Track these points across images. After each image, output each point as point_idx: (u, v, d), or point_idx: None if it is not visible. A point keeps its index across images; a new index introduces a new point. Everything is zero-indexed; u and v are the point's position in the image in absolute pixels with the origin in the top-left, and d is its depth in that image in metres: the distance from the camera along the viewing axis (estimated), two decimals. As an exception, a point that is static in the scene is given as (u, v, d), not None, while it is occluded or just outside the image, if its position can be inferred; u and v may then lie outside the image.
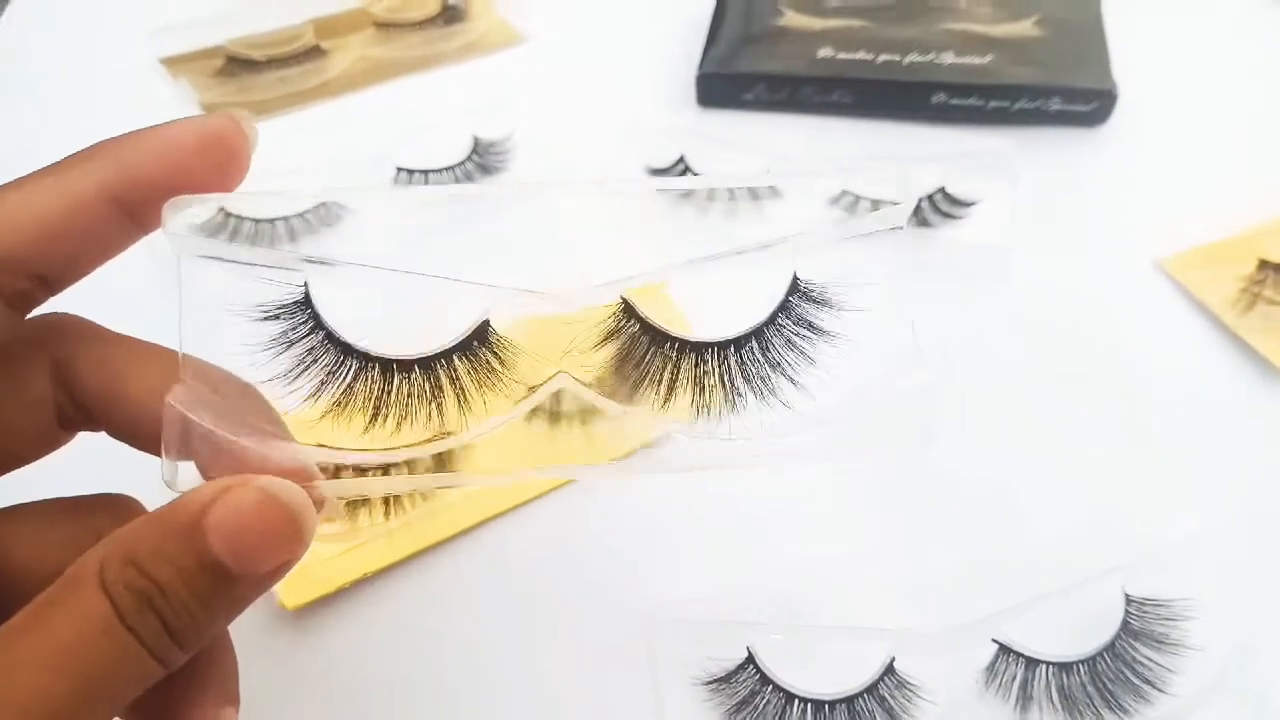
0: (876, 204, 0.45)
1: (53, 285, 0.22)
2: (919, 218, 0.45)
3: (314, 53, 0.53)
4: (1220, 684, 0.31)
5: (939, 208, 0.45)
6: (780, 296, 0.23)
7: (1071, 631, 0.32)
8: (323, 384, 0.23)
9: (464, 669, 0.32)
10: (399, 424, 0.23)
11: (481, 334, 0.24)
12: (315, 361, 0.23)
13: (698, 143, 0.49)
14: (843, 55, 0.50)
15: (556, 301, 0.23)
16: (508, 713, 0.31)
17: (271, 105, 0.51)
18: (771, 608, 0.33)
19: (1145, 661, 0.31)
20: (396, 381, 0.23)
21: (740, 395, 0.23)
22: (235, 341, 0.22)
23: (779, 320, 0.23)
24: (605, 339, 0.23)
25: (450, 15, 0.56)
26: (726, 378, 0.23)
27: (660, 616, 0.33)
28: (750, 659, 0.32)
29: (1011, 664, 0.31)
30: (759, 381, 0.23)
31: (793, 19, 0.52)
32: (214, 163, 0.22)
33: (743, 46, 0.51)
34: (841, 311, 0.23)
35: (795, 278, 0.23)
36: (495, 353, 0.24)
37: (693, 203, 0.46)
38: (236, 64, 0.52)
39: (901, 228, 0.23)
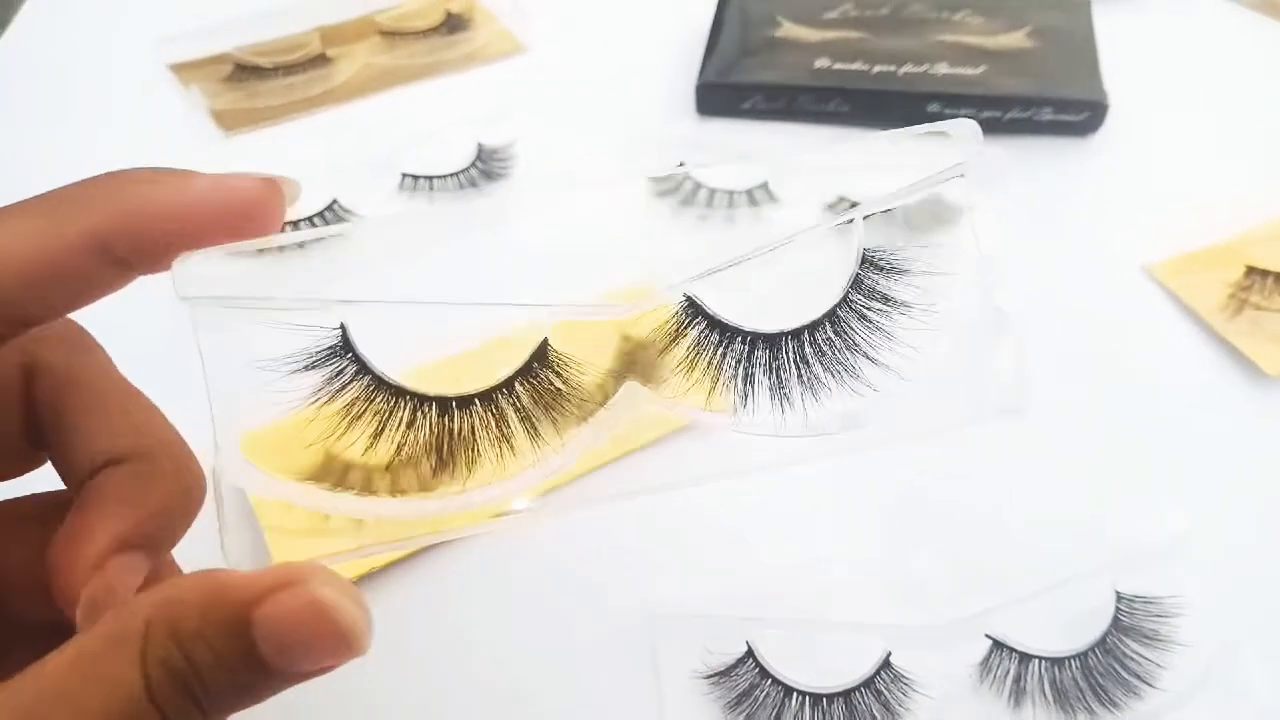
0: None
1: (32, 324, 0.22)
2: (910, 222, 0.45)
3: (320, 60, 0.54)
4: (1208, 679, 0.32)
5: (933, 213, 0.46)
6: (850, 271, 0.22)
7: (1064, 628, 0.33)
8: (378, 432, 0.21)
9: (464, 667, 0.33)
10: (469, 465, 0.22)
11: (541, 355, 0.23)
12: (367, 408, 0.22)
13: (696, 150, 0.50)
14: (839, 65, 0.51)
15: (614, 311, 0.23)
16: (511, 710, 0.32)
17: (278, 111, 0.51)
18: (770, 604, 0.34)
19: (1135, 657, 0.32)
20: (458, 419, 0.22)
21: (820, 383, 0.22)
22: (271, 398, 0.21)
23: (851, 298, 0.22)
24: (670, 342, 0.22)
25: (453, 25, 0.57)
26: (804, 366, 0.22)
27: (661, 612, 0.33)
28: (750, 653, 0.32)
29: (1005, 659, 0.32)
30: (838, 366, 0.22)
31: (790, 30, 0.53)
32: (231, 232, 0.21)
33: (741, 57, 0.52)
34: (915, 277, 0.22)
35: (862, 249, 0.22)
36: (557, 372, 0.23)
37: (693, 209, 0.47)
38: (244, 71, 0.53)
39: (963, 176, 0.23)
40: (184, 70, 0.53)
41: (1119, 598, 0.33)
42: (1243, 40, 0.56)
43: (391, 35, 0.56)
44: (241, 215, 0.21)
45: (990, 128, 0.49)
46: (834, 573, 0.35)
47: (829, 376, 0.22)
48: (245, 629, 0.19)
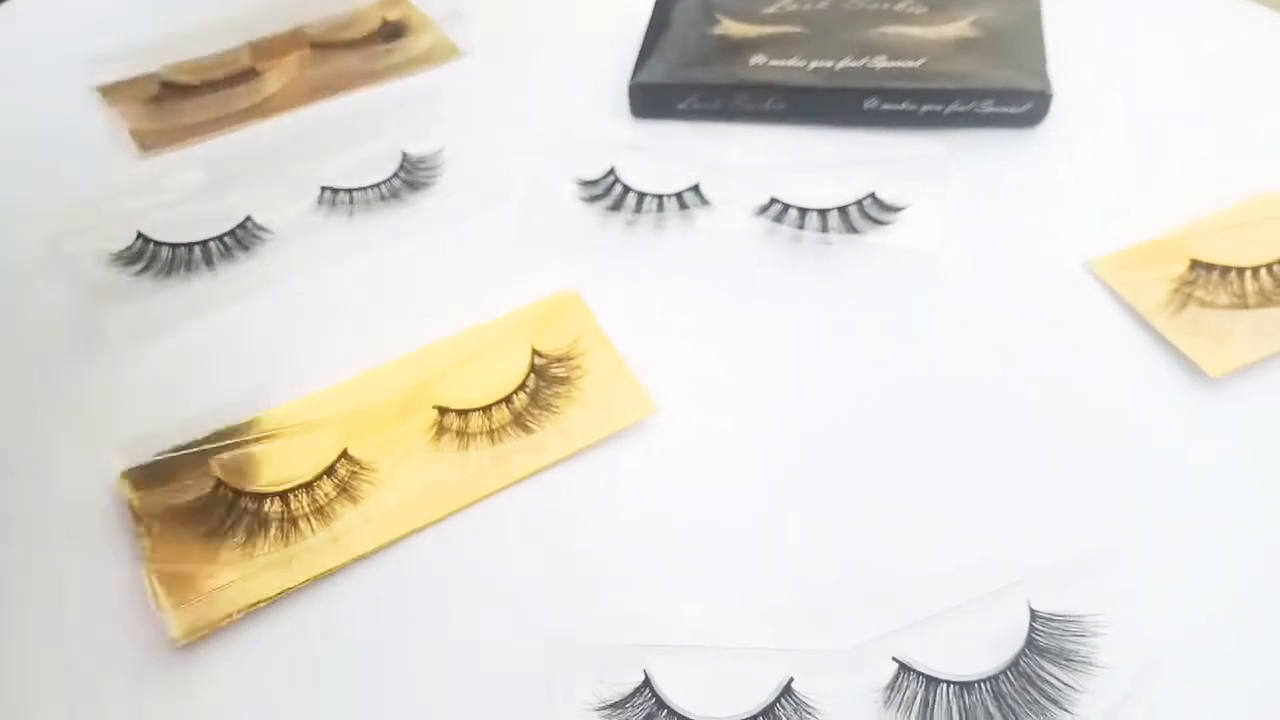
0: (804, 211, 0.44)
1: None
2: (848, 225, 0.44)
3: (248, 74, 0.53)
4: (1128, 703, 0.30)
5: (868, 214, 0.44)
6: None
7: (975, 649, 0.31)
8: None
9: (359, 702, 0.31)
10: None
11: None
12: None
13: (629, 154, 0.48)
14: (775, 62, 0.49)
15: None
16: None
17: (204, 129, 0.50)
18: (669, 630, 0.32)
19: (1051, 680, 0.30)
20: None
21: None
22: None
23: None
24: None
25: (389, 32, 0.55)
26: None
27: (556, 640, 0.32)
28: (646, 682, 0.31)
29: (912, 683, 0.30)
30: None
31: (728, 27, 0.51)
32: None
33: (677, 56, 0.50)
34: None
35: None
36: None
37: (622, 214, 0.46)
38: (170, 89, 0.52)
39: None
40: (111, 91, 0.53)
41: (1034, 616, 0.31)
42: (1191, 27, 0.53)
43: (324, 47, 0.54)
44: None
45: (931, 121, 0.48)
46: (735, 596, 0.33)
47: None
48: None
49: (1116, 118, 0.47)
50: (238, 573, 0.34)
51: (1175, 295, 0.39)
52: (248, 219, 0.45)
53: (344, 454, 0.37)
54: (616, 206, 0.46)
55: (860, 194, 0.44)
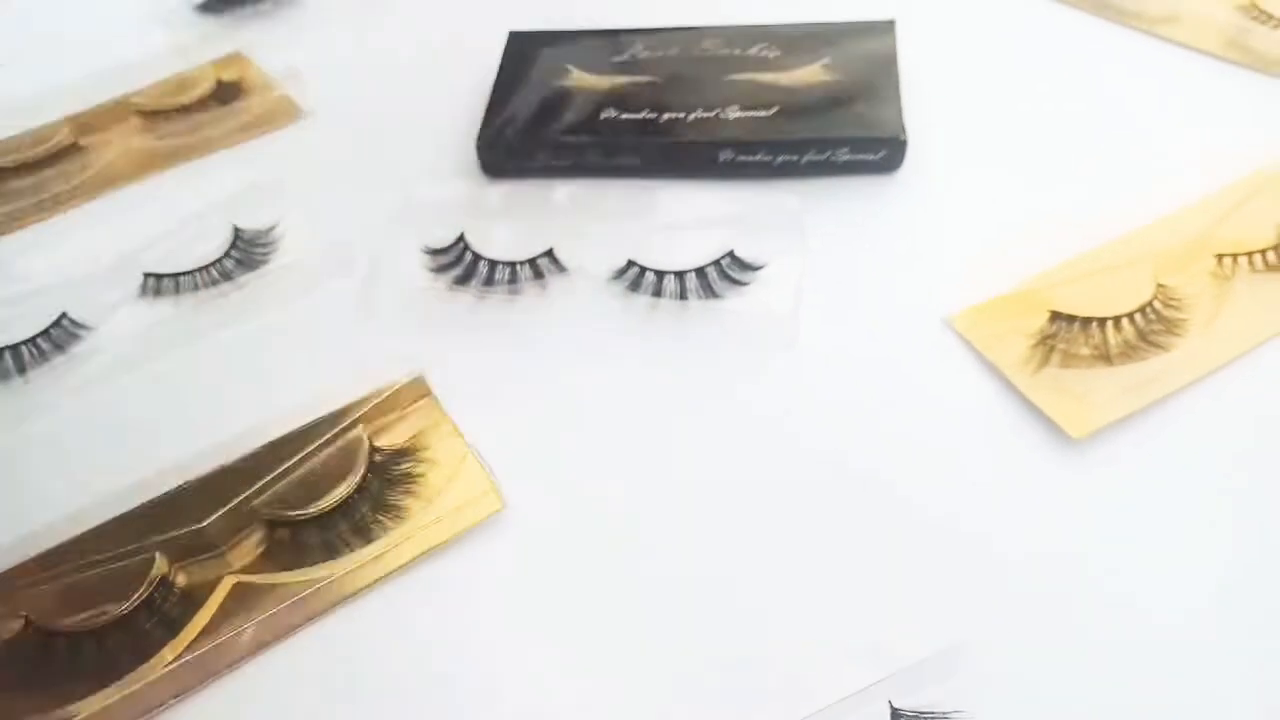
0: (660, 275, 0.43)
1: None
2: (707, 288, 0.42)
3: (71, 151, 0.49)
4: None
5: (727, 274, 0.42)
6: None
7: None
8: None
9: None
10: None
11: None
12: None
13: (479, 218, 0.46)
14: (626, 115, 0.47)
15: None
16: None
17: (22, 214, 0.47)
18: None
19: (916, 785, 0.29)
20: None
21: None
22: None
23: None
24: None
25: (224, 95, 0.52)
26: None
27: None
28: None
29: (772, 801, 0.29)
30: None
31: (578, 78, 0.49)
32: None
33: (526, 111, 0.48)
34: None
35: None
36: None
37: (471, 286, 0.43)
38: (-15, 172, 0.48)
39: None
40: (-82, 177, 0.49)
41: (895, 714, 0.29)
42: (1065, 46, 0.53)
43: (153, 114, 0.51)
44: None
45: (788, 172, 0.46)
46: (576, 704, 0.31)
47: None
48: None
49: (974, 161, 0.46)
50: None
51: (1036, 350, 0.38)
52: (63, 315, 0.41)
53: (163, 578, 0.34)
54: (466, 278, 0.44)
55: (718, 253, 0.42)
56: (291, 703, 0.32)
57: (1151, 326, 0.38)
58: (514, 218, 0.46)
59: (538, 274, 0.43)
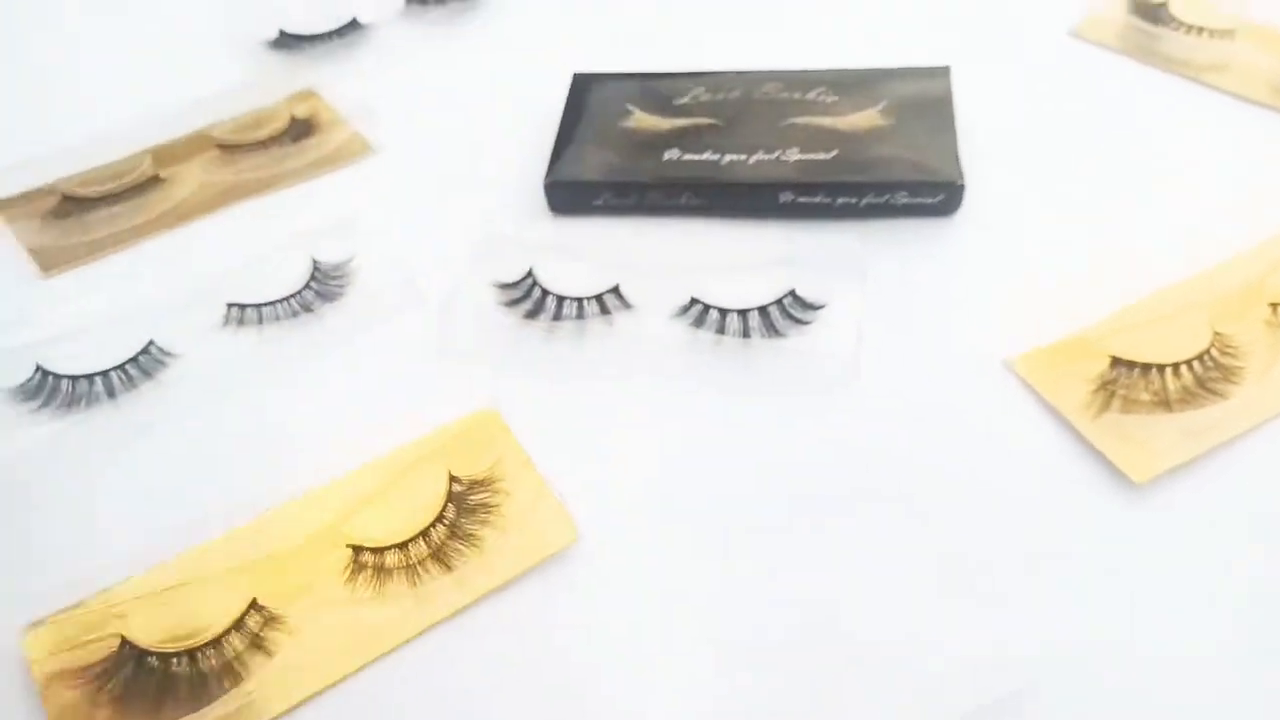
0: (724, 313, 0.44)
1: None
2: (769, 326, 0.43)
3: (152, 183, 0.51)
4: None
5: (789, 312, 0.43)
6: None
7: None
8: None
9: None
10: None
11: None
12: None
13: (547, 254, 0.47)
14: (689, 156, 0.48)
15: None
16: None
17: (105, 244, 0.49)
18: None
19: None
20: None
21: None
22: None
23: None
24: None
25: (298, 131, 0.54)
26: None
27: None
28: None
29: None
30: None
31: (641, 120, 0.51)
32: None
33: (591, 151, 0.50)
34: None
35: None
36: None
37: (541, 319, 0.45)
38: (70, 203, 0.50)
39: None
40: (6, 207, 0.51)
41: (966, 752, 0.30)
42: (1118, 93, 0.54)
43: (231, 148, 0.53)
44: None
45: (847, 213, 0.47)
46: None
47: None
48: None
49: (1030, 206, 0.47)
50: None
51: (1097, 395, 0.39)
52: (151, 343, 0.43)
53: (253, 603, 0.35)
54: (535, 312, 0.45)
55: (780, 292, 0.44)
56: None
57: (1209, 374, 0.39)
58: (580, 254, 0.47)
59: (604, 310, 0.45)
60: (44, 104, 0.59)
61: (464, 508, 0.38)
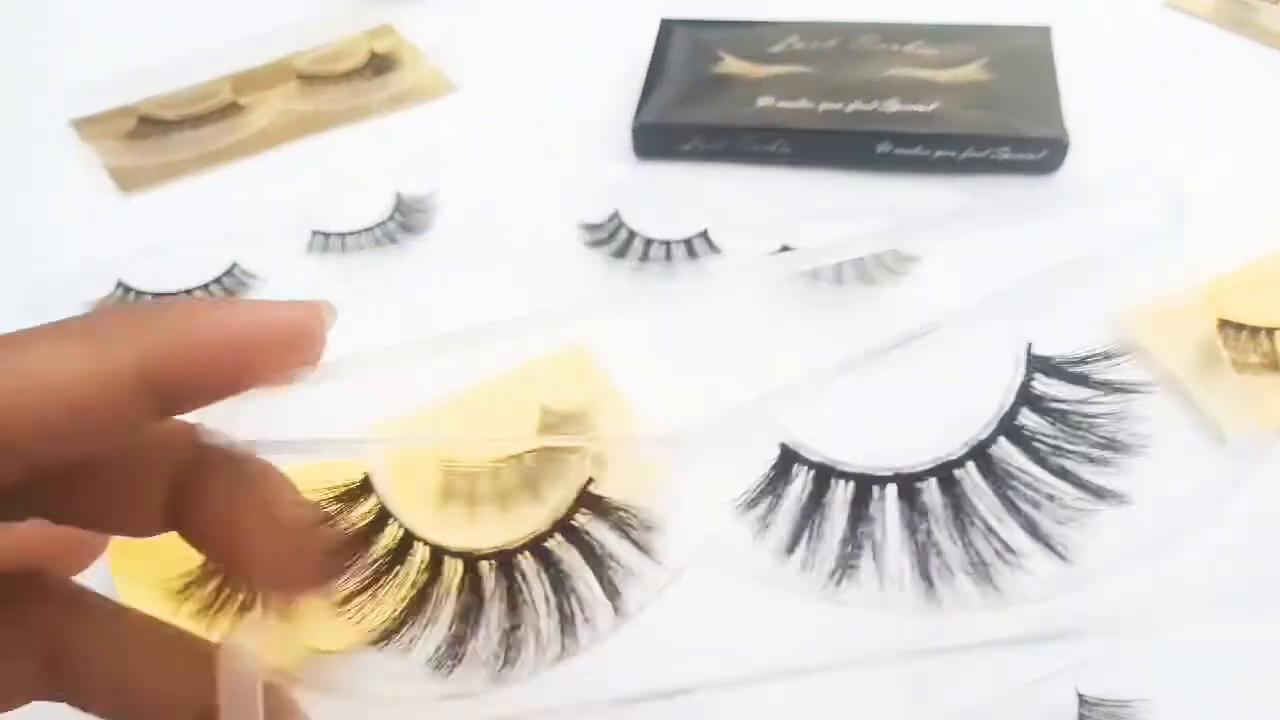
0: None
1: (53, 469, 0.18)
2: (863, 275, 0.42)
3: (231, 109, 0.50)
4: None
5: (884, 264, 0.42)
6: (1015, 382, 0.15)
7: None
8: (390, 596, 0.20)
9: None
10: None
11: (587, 500, 0.19)
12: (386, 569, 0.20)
13: (632, 196, 0.46)
14: (783, 104, 0.47)
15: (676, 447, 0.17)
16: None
17: (185, 167, 0.48)
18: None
19: (1104, 770, 0.29)
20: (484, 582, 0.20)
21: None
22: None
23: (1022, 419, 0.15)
24: (752, 500, 0.18)
25: (379, 65, 0.53)
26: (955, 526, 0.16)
27: None
28: None
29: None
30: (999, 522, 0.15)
31: (733, 66, 0.50)
32: (281, 362, 0.20)
33: (681, 95, 0.49)
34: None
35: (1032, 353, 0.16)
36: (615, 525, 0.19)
37: (628, 260, 0.44)
38: (149, 124, 0.49)
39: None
40: (86, 126, 0.50)
41: (1082, 701, 0.30)
42: (1211, 69, 0.53)
43: (311, 79, 0.52)
44: (293, 347, 0.20)
45: (944, 167, 0.46)
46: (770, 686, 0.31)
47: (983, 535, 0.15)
48: None
49: (1135, 163, 0.46)
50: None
51: (1204, 353, 0.38)
52: (234, 265, 0.43)
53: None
54: (622, 253, 0.44)
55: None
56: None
57: (1321, 338, 0.38)
58: (666, 198, 0.47)
59: (692, 253, 0.44)
60: (121, 26, 0.58)
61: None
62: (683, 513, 0.17)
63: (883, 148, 0.46)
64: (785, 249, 0.43)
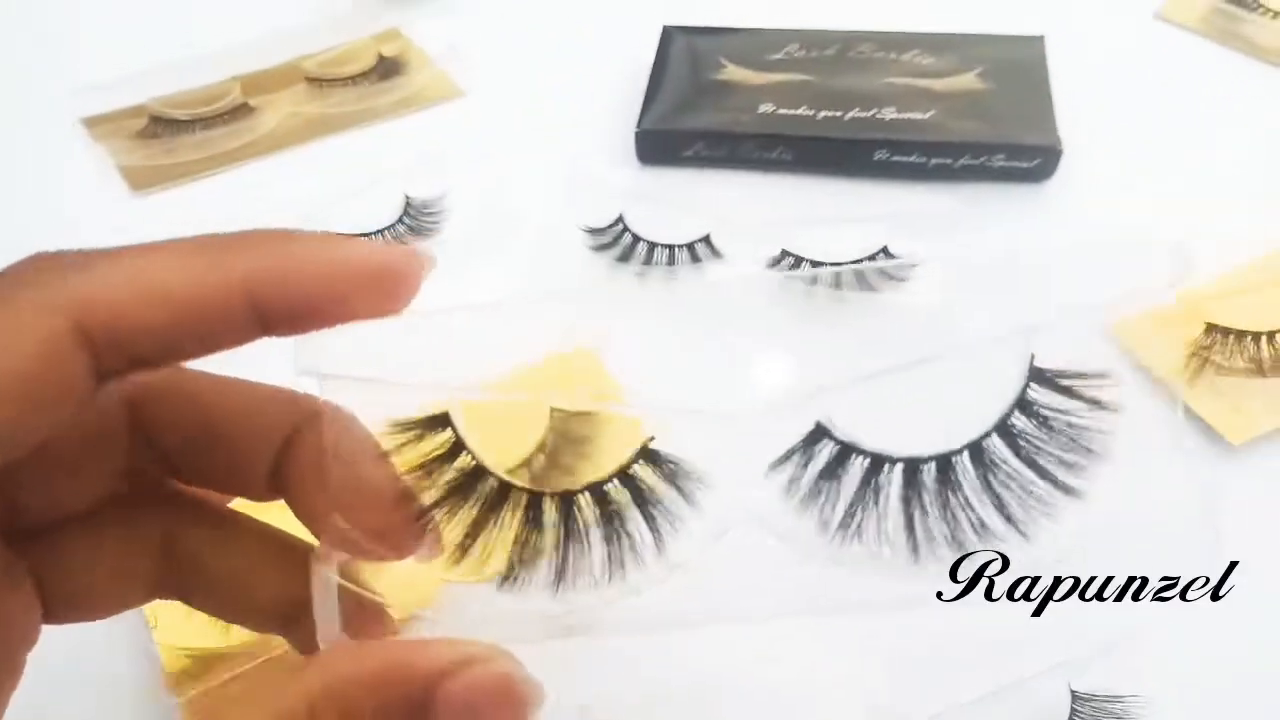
0: (816, 264, 0.44)
1: (157, 363, 0.20)
2: (862, 281, 0.43)
3: (241, 110, 0.51)
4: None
5: (882, 269, 0.44)
6: (1016, 389, 0.19)
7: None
8: (461, 517, 0.21)
9: None
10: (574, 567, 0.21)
11: (649, 456, 0.21)
12: (458, 492, 0.21)
13: (636, 201, 0.47)
14: (783, 111, 0.48)
15: (726, 421, 0.20)
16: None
17: (195, 167, 0.49)
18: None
19: (1094, 762, 0.30)
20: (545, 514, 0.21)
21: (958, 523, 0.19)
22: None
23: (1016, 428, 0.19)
24: (782, 461, 0.20)
25: (386, 69, 0.54)
26: (943, 503, 0.19)
27: None
28: None
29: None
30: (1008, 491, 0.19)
31: (734, 73, 0.51)
32: (378, 299, 0.21)
33: (683, 102, 0.50)
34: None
35: (1034, 365, 0.19)
36: (666, 476, 0.21)
37: (632, 264, 0.45)
38: (159, 124, 0.50)
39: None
40: (96, 124, 0.51)
41: (1075, 697, 0.31)
42: (1202, 80, 0.54)
43: (319, 82, 0.53)
44: (387, 285, 0.21)
45: (940, 174, 0.47)
46: (766, 680, 0.32)
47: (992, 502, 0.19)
48: (424, 708, 0.19)
49: (1120, 176, 0.48)
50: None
51: (1193, 359, 0.39)
52: (248, 266, 0.43)
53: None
54: (625, 257, 0.45)
55: (872, 248, 0.44)
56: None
57: (1305, 344, 0.40)
58: (669, 204, 0.47)
59: (695, 258, 0.45)
60: (131, 26, 0.59)
61: (566, 438, 0.38)
62: (724, 471, 0.20)
63: (880, 155, 0.47)
64: (786, 254, 0.45)
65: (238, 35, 0.56)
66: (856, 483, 0.19)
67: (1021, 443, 0.18)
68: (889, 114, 0.48)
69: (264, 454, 0.23)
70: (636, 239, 0.46)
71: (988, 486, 0.18)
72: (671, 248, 0.45)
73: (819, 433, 0.19)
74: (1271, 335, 0.40)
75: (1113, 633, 0.32)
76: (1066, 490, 0.18)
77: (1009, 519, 0.19)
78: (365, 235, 0.45)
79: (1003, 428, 0.18)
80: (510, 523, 0.21)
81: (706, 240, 0.45)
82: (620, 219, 0.46)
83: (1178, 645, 0.32)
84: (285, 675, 0.19)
